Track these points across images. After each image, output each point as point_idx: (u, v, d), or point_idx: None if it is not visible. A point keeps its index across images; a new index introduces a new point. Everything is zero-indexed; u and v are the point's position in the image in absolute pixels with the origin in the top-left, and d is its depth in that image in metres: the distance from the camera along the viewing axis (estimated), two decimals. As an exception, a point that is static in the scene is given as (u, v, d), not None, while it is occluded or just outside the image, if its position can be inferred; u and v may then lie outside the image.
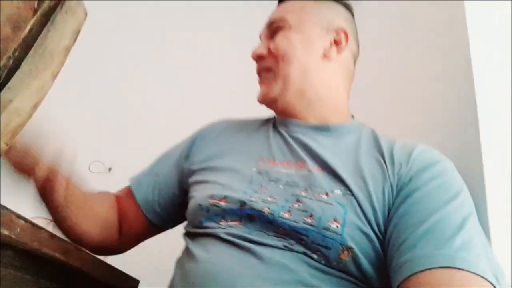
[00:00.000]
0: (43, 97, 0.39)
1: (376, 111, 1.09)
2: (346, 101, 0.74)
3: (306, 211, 0.53)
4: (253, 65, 0.75)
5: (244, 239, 0.53)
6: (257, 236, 0.53)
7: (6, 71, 0.35)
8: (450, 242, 0.46)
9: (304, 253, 0.51)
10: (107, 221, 0.71)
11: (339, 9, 0.75)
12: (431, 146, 0.62)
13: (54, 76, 0.40)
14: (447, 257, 0.44)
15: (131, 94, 1.70)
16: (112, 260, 0.74)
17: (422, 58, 0.94)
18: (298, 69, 0.68)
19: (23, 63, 0.36)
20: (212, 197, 0.59)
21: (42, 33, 0.37)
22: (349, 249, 0.50)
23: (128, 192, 0.75)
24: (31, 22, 0.36)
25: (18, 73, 0.35)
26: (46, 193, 0.56)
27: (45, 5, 0.36)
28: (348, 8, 0.77)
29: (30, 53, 0.37)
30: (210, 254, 0.53)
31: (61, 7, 0.38)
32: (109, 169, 1.57)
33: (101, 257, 0.67)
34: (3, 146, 0.35)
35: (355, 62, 0.77)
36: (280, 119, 0.73)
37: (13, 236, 0.42)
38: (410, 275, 0.44)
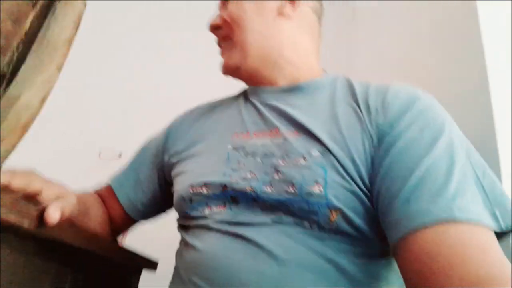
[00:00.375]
0: (50, 90, 0.39)
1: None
2: (315, 57, 0.72)
3: (286, 181, 0.52)
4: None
5: (231, 223, 0.53)
6: (244, 218, 0.53)
7: (11, 67, 0.35)
8: (444, 190, 0.43)
9: (295, 223, 0.50)
10: (105, 220, 0.73)
11: None
12: None
13: (59, 68, 0.40)
14: (443, 209, 0.42)
15: (140, 79, 1.70)
16: (131, 242, 0.77)
17: (436, 58, 0.92)
18: (254, 32, 0.67)
19: (27, 58, 0.36)
20: (192, 186, 0.59)
21: (43, 26, 0.37)
22: (336, 209, 0.48)
23: (110, 192, 0.76)
24: (31, 16, 0.36)
25: (23, 67, 0.35)
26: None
27: (44, -2, 0.36)
28: None
29: (33, 47, 0.37)
30: (205, 244, 0.53)
31: (60, -2, 0.38)
32: (120, 155, 1.59)
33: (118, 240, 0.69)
34: (16, 141, 0.35)
35: (319, 19, 0.75)
36: (251, 88, 0.72)
37: (33, 227, 0.43)
38: (407, 234, 0.43)
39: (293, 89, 0.66)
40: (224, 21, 0.69)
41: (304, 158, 0.53)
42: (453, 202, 0.42)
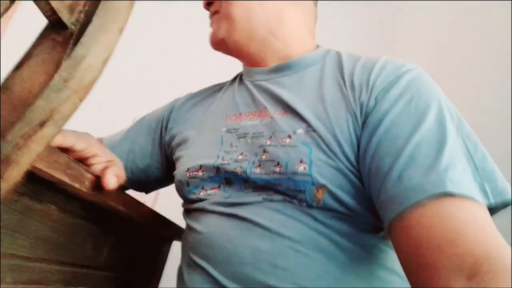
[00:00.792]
0: (111, 53, 0.38)
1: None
2: (309, 33, 0.69)
3: (273, 160, 0.52)
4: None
5: (225, 204, 0.54)
6: (236, 198, 0.53)
7: (79, 26, 0.34)
8: (436, 164, 0.41)
9: (284, 201, 0.50)
10: None
11: None
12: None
13: (121, 31, 0.39)
14: (435, 183, 0.40)
15: (182, 48, 1.69)
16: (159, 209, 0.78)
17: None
18: (241, 5, 0.65)
19: (93, 18, 0.35)
20: (188, 170, 0.60)
21: (110, -14, 0.36)
22: (322, 186, 0.48)
23: None
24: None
25: (89, 28, 0.34)
26: None
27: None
28: None
29: (100, 6, 0.36)
30: (203, 226, 0.54)
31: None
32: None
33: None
34: (77, 102, 0.35)
35: None
36: (245, 69, 0.71)
37: (83, 189, 0.44)
38: (401, 213, 0.41)
39: (282, 68, 0.65)
40: None
41: (290, 137, 0.53)
42: (445, 175, 0.40)
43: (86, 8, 0.35)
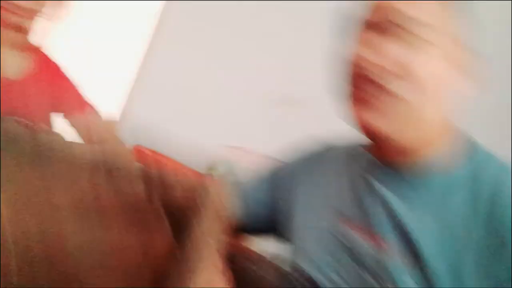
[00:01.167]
0: None
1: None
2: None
3: None
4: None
5: None
6: None
7: None
8: None
9: None
10: None
11: None
12: None
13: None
14: None
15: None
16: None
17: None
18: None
19: None
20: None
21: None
22: None
23: None
24: None
25: None
26: None
27: None
28: None
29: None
30: None
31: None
32: (290, 100, 1.58)
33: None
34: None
35: None
36: (371, 159, 0.55)
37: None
38: None
39: (417, 181, 0.51)
40: None
41: (394, 284, 0.46)
42: None
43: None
